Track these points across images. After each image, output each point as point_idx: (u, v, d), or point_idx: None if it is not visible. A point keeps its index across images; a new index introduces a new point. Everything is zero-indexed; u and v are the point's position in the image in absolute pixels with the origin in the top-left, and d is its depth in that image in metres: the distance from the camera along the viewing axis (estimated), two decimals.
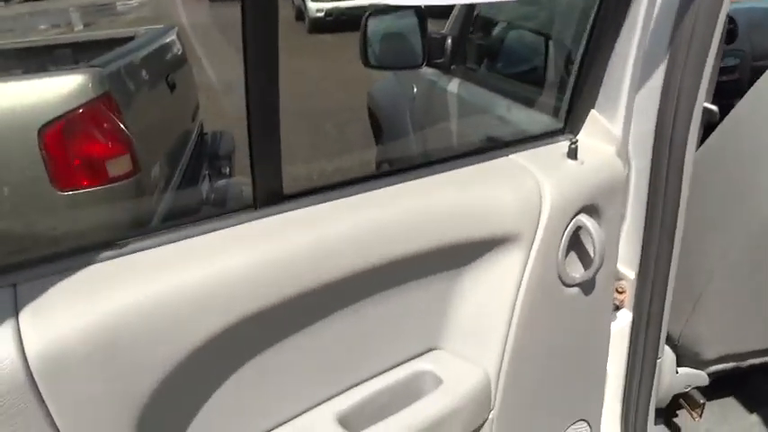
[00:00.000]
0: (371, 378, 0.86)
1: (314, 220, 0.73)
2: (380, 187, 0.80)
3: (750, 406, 1.67)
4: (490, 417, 0.92)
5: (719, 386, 1.57)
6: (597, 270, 0.92)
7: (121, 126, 1.72)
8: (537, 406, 1.01)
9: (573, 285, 0.95)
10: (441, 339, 0.92)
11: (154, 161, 1.99)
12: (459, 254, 0.84)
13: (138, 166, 1.73)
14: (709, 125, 1.22)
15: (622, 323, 1.27)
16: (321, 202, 0.76)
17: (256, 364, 0.72)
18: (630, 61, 0.94)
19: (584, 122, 1.03)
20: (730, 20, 2.55)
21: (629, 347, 1.29)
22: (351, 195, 0.78)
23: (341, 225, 0.73)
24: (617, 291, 1.28)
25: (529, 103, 1.46)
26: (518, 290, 0.87)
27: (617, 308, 1.27)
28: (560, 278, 0.92)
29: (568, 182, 0.90)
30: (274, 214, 0.73)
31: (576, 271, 0.95)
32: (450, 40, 1.97)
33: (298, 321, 0.74)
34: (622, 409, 1.38)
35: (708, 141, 1.20)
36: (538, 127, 1.17)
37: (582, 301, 0.98)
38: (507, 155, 0.94)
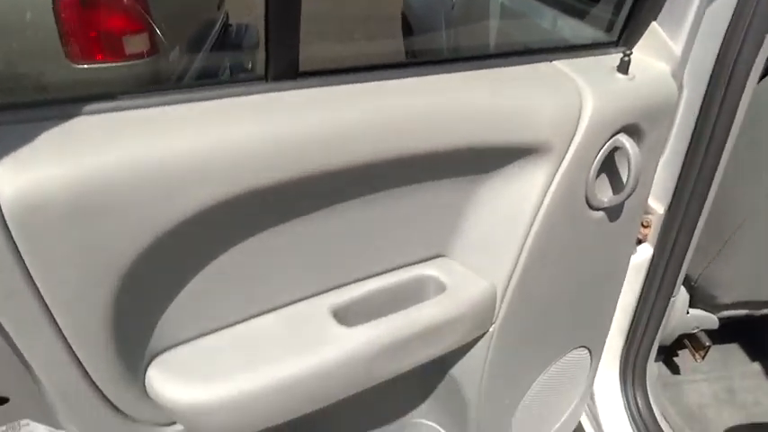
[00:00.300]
0: (372, 277, 0.83)
1: (329, 100, 0.67)
2: (405, 77, 0.73)
3: (752, 355, 1.66)
4: (491, 330, 0.90)
5: (724, 332, 1.55)
6: (628, 196, 0.86)
7: (142, 2, 1.63)
8: (540, 326, 0.99)
9: (599, 209, 0.89)
10: (450, 247, 0.88)
11: (173, 45, 1.90)
12: (482, 158, 0.78)
13: (157, 47, 1.65)
14: None
15: (642, 257, 1.23)
16: (339, 84, 0.69)
17: (250, 244, 0.68)
18: None
19: (641, 36, 0.93)
20: None
21: (644, 283, 1.26)
22: (372, 81, 0.71)
23: (357, 110, 0.67)
24: (642, 224, 1.23)
25: (580, 14, 1.33)
26: (540, 205, 0.81)
27: (639, 241, 1.22)
28: (587, 199, 0.86)
29: (613, 96, 0.82)
30: (286, 89, 0.66)
31: (605, 195, 0.90)
32: None
33: (299, 206, 0.69)
34: (625, 342, 1.37)
35: None
36: (588, 39, 1.07)
37: (605, 228, 0.93)
38: (550, 60, 0.86)
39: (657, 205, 1.17)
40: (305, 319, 0.77)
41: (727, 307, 1.36)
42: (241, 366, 0.71)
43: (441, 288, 0.85)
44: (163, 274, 0.64)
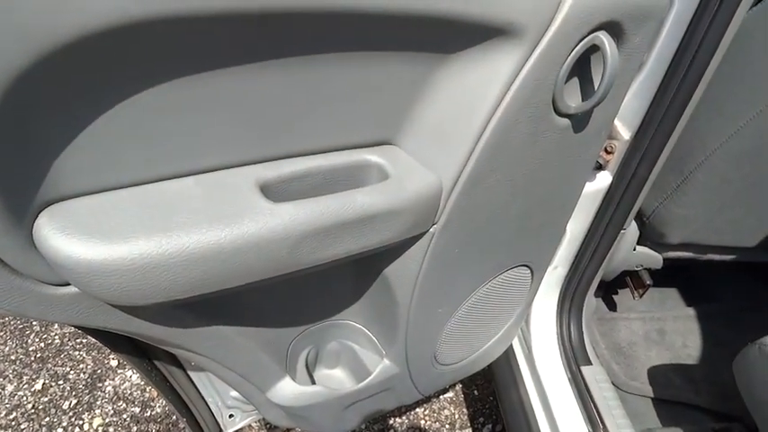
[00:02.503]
0: (309, 154, 0.75)
1: None
2: None
3: (688, 300, 1.69)
4: (431, 230, 0.84)
5: (665, 275, 1.56)
6: (598, 102, 0.79)
7: None
8: (484, 235, 0.93)
9: (564, 115, 0.82)
10: (399, 135, 0.80)
11: None
12: (446, 33, 0.69)
13: None
14: None
15: (599, 185, 1.19)
16: None
17: (174, 89, 0.58)
18: None
19: None
20: None
21: (598, 211, 1.22)
22: None
23: None
24: (605, 150, 1.18)
25: None
26: (502, 99, 0.73)
27: (600, 167, 1.18)
28: (554, 101, 0.79)
29: None
30: None
31: (574, 101, 0.82)
32: None
33: (236, 51, 0.59)
34: (568, 272, 1.35)
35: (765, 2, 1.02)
36: None
37: (568, 139, 0.87)
38: None
39: (624, 130, 1.12)
40: (228, 188, 0.69)
41: (675, 247, 1.34)
42: (148, 228, 0.62)
43: (384, 177, 0.77)
44: (58, 104, 0.54)
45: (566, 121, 0.84)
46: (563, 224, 1.10)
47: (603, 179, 1.18)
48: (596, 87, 0.80)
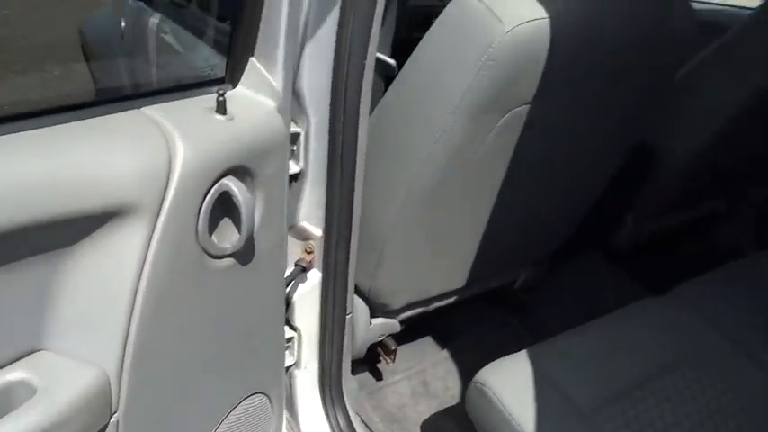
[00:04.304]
0: None
1: None
2: None
3: (441, 343, 1.84)
4: (113, 420, 0.78)
5: (415, 328, 1.69)
6: (247, 237, 0.83)
7: None
8: (182, 392, 0.90)
9: (225, 256, 0.84)
10: (46, 337, 0.73)
11: None
12: (56, 230, 0.66)
13: None
14: (390, 78, 1.22)
15: (312, 283, 1.24)
16: None
17: None
18: (284, 4, 0.84)
19: (242, 72, 0.90)
20: None
21: (321, 307, 1.28)
22: None
23: None
24: (306, 251, 1.24)
25: (212, 43, 1.29)
26: (141, 271, 0.72)
27: (305, 269, 1.23)
28: (205, 250, 0.80)
29: (211, 141, 0.77)
30: None
31: (230, 240, 0.85)
32: None
33: None
34: (318, 368, 1.38)
35: (384, 98, 1.19)
36: (199, 77, 1.02)
37: (241, 271, 0.89)
38: (139, 107, 0.78)
39: (315, 229, 1.19)
40: None
41: (402, 310, 1.46)
42: None
43: (30, 393, 0.69)
44: None
45: (228, 260, 0.86)
46: (276, 341, 1.12)
47: (314, 276, 1.24)
48: (242, 222, 0.83)
